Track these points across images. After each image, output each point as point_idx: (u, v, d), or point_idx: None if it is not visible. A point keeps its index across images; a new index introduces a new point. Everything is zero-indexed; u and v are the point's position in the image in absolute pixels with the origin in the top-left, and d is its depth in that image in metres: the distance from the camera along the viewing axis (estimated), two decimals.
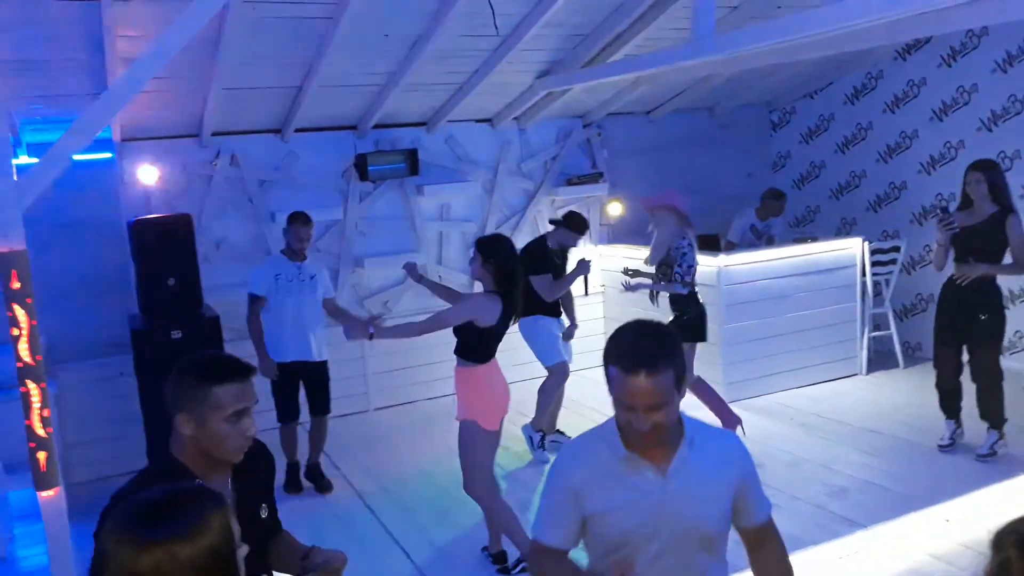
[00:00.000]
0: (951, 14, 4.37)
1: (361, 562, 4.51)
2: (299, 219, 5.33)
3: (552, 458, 5.62)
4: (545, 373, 5.90)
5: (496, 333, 4.12)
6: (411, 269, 4.81)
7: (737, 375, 6.60)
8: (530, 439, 5.80)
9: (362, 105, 6.43)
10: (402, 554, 4.54)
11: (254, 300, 5.29)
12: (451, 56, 5.72)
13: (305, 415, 5.58)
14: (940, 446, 5.37)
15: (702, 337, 5.52)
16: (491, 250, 4.13)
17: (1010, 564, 1.27)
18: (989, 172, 5.04)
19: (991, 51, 6.61)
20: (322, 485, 5.48)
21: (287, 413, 5.40)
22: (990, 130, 6.71)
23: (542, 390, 5.83)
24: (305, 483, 5.53)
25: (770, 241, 7.47)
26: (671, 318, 5.44)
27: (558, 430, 6.04)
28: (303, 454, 5.57)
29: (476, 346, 4.11)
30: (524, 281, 5.31)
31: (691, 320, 5.41)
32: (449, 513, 4.94)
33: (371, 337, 4.01)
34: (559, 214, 5.95)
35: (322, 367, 5.46)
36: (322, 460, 5.62)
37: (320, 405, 5.50)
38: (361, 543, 4.63)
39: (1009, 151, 6.55)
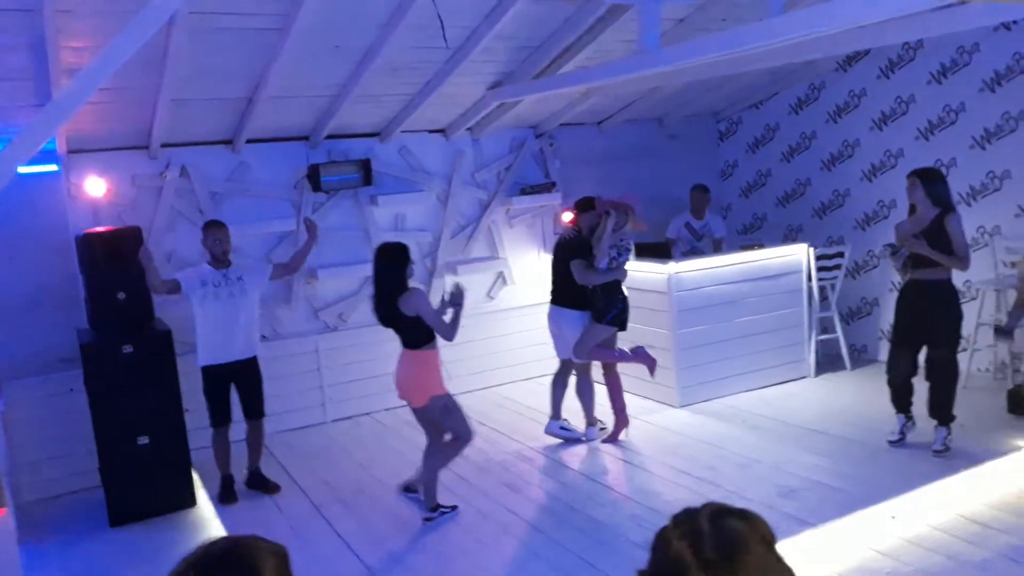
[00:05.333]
0: (888, 27, 4.53)
1: (317, 573, 4.51)
2: (213, 225, 5.47)
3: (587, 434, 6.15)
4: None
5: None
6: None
7: (689, 380, 6.71)
8: (592, 436, 6.16)
9: (314, 116, 6.41)
10: (359, 563, 4.52)
11: (171, 280, 5.34)
12: (402, 68, 5.74)
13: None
14: (890, 441, 5.53)
15: (624, 326, 5.91)
16: None
17: (682, 557, 1.23)
18: (924, 178, 5.26)
19: (926, 63, 6.85)
20: (268, 488, 5.57)
21: (218, 417, 5.42)
22: (927, 139, 6.94)
23: (579, 392, 6.12)
24: (250, 491, 5.58)
25: (717, 246, 7.63)
26: (599, 304, 5.81)
27: (565, 418, 6.24)
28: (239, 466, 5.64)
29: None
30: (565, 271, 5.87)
31: (622, 308, 5.82)
32: (406, 523, 4.94)
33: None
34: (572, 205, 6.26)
35: (252, 364, 5.51)
36: (262, 465, 5.70)
37: (253, 408, 5.56)
38: (315, 553, 4.61)
39: (945, 159, 6.79)
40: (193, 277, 5.36)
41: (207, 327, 5.36)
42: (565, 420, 6.17)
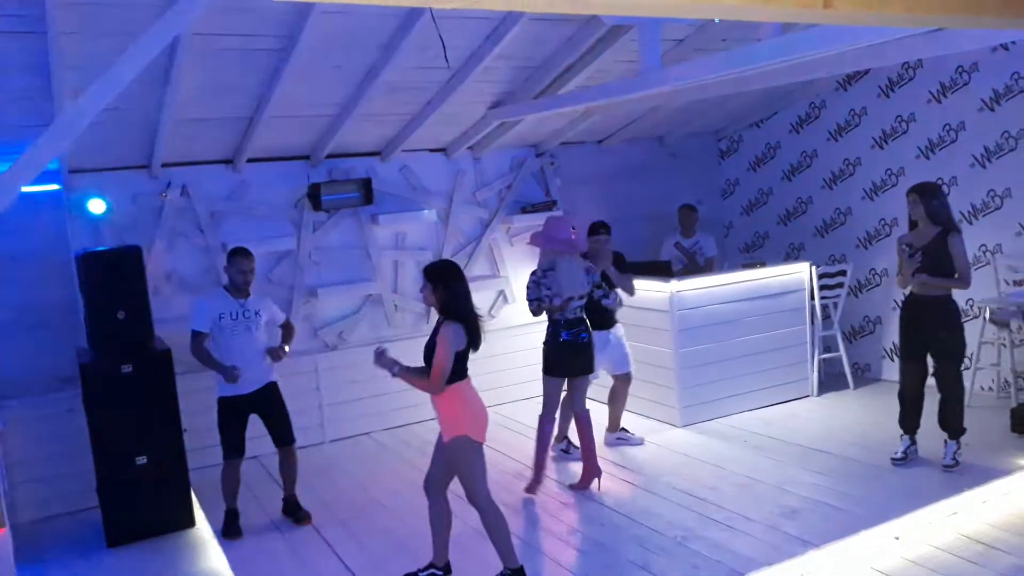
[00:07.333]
0: (887, 48, 4.55)
1: None
2: (240, 253, 5.24)
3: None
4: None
5: (465, 355, 4.28)
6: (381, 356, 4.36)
7: (690, 399, 6.68)
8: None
9: (315, 135, 6.43)
10: None
11: (197, 335, 5.17)
12: (403, 88, 5.76)
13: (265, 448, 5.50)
14: (893, 459, 5.52)
15: (554, 371, 5.65)
16: (437, 276, 4.24)
17: None
18: (923, 194, 5.32)
19: (926, 83, 6.88)
20: (299, 517, 5.36)
21: (231, 449, 5.21)
22: (927, 158, 6.95)
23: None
24: (283, 517, 5.42)
25: (709, 265, 7.62)
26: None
27: (623, 428, 6.45)
28: (256, 488, 5.47)
29: (453, 369, 4.21)
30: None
31: (548, 350, 5.63)
32: (406, 545, 4.90)
33: (394, 375, 4.23)
34: None
35: (272, 390, 5.33)
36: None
37: (281, 434, 5.37)
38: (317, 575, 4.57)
39: (946, 177, 6.80)
40: (211, 313, 5.16)
41: (223, 358, 5.14)
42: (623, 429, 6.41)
